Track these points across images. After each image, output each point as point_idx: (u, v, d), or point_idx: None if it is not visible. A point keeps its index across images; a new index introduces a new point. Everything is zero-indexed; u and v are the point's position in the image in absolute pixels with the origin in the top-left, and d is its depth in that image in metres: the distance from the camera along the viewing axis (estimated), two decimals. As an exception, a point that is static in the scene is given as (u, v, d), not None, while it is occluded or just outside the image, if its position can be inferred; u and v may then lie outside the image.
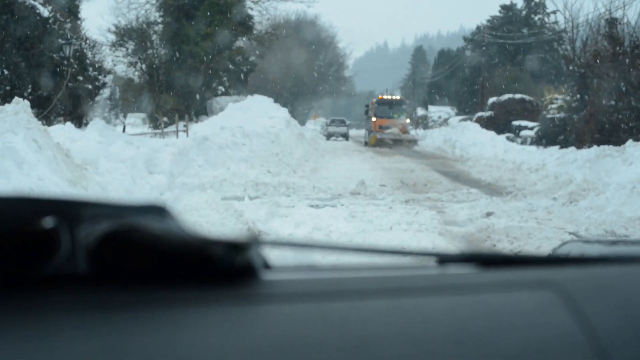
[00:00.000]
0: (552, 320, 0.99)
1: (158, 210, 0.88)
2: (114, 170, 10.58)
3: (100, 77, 23.97)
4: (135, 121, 45.87)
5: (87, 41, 24.69)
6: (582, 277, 1.13)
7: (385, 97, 46.11)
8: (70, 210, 0.84)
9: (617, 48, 19.68)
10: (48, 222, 0.80)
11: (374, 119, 42.25)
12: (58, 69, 21.86)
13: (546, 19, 63.47)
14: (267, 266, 0.98)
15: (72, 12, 25.71)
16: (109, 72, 24.86)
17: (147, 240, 0.84)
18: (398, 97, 47.19)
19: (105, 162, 10.58)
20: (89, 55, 24.12)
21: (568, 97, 40.09)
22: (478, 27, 65.96)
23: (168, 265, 0.87)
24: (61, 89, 20.55)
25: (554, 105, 39.81)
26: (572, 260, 1.24)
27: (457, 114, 63.21)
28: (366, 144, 42.73)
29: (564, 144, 25.44)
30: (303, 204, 11.73)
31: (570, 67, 21.88)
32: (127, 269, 0.86)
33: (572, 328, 0.98)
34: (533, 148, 25.93)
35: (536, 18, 63.59)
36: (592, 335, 0.98)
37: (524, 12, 63.56)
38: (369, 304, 0.93)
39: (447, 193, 14.40)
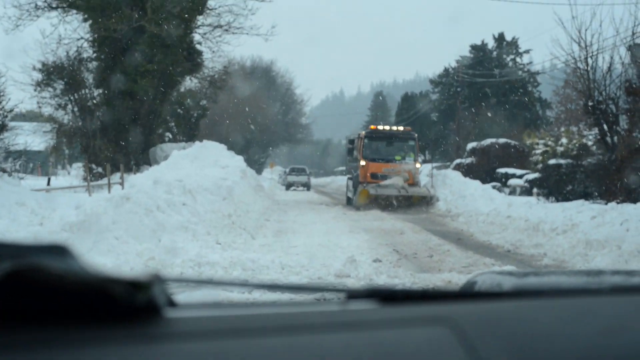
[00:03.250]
0: (444, 356, 0.98)
1: (59, 250, 0.87)
2: None
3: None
4: (79, 172, 41.51)
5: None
6: (476, 312, 1.12)
7: (380, 127, 28.34)
8: None
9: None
10: None
11: (362, 162, 25.49)
12: None
13: (519, 59, 60.31)
14: (171, 304, 0.96)
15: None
16: (10, 112, 19.68)
17: (48, 279, 0.83)
18: (401, 128, 28.53)
19: None
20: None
21: (550, 142, 36.79)
22: (446, 69, 62.24)
23: (70, 304, 0.86)
24: None
25: (537, 151, 36.46)
26: (470, 296, 1.27)
27: (423, 162, 59.57)
28: (349, 201, 26.76)
29: (571, 196, 21.63)
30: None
31: (590, 103, 17.85)
32: (28, 309, 0.85)
33: None
34: (533, 199, 22.12)
35: (508, 59, 60.28)
36: None
37: (494, 53, 60.08)
38: (269, 341, 0.92)
39: (468, 270, 10.22)
